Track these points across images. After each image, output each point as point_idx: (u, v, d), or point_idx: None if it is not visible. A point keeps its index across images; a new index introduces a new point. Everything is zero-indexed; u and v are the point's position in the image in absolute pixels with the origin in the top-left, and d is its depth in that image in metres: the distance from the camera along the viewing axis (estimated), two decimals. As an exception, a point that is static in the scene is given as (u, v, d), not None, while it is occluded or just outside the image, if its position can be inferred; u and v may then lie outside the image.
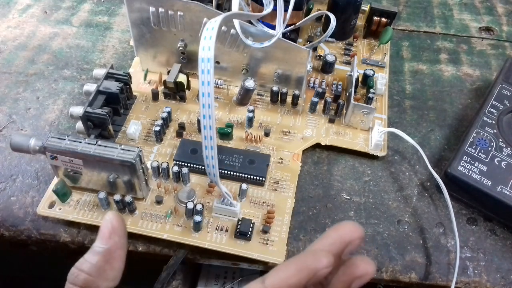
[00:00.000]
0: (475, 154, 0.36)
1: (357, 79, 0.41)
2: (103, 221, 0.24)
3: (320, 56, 0.45)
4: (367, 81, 0.42)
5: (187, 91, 0.40)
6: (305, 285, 0.20)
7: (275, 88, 0.40)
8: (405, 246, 0.34)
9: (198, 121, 0.38)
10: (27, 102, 0.41)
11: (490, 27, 0.52)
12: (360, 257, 0.22)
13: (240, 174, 0.35)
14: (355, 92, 0.40)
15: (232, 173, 0.35)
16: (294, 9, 0.39)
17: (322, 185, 0.37)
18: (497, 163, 0.36)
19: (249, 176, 0.35)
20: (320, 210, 0.35)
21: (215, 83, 0.41)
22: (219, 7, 0.42)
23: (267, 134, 0.38)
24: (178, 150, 0.36)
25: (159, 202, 0.33)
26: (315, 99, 0.40)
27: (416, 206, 0.36)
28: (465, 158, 0.36)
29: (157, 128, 0.37)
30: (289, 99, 0.41)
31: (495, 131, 0.38)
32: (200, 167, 0.35)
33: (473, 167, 0.35)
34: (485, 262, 0.33)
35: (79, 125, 0.36)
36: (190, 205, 0.32)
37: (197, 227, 0.32)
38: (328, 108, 0.40)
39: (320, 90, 0.41)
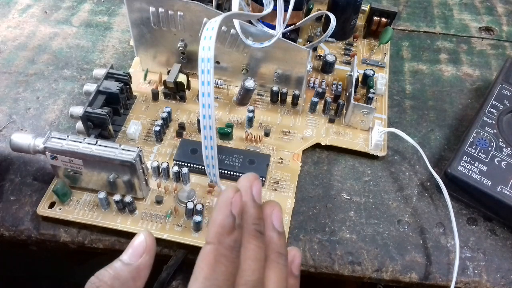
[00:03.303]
0: (475, 154, 0.36)
1: (357, 79, 0.41)
2: (138, 237, 0.24)
3: (320, 56, 0.45)
4: (367, 81, 0.42)
5: (187, 91, 0.40)
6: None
7: (275, 88, 0.40)
8: (405, 246, 0.34)
9: (198, 121, 0.38)
10: (27, 102, 0.41)
11: (490, 27, 0.52)
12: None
13: (240, 174, 0.35)
14: (355, 92, 0.40)
15: (232, 173, 0.35)
16: (294, 9, 0.39)
17: (322, 185, 0.37)
18: (497, 163, 0.36)
19: (249, 176, 0.35)
20: (320, 210, 0.35)
21: (215, 83, 0.41)
22: (219, 7, 0.42)
23: (267, 134, 0.38)
24: (178, 150, 0.36)
25: (159, 202, 0.33)
26: (315, 99, 0.40)
27: (416, 206, 0.36)
28: (465, 158, 0.36)
29: (157, 128, 0.37)
30: (289, 99, 0.41)
31: (495, 131, 0.38)
32: (200, 167, 0.35)
33: (473, 167, 0.35)
34: (485, 262, 0.33)
35: (79, 125, 0.36)
36: (190, 205, 0.32)
37: (197, 227, 0.32)
38: (328, 108, 0.40)
39: (320, 90, 0.41)
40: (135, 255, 0.23)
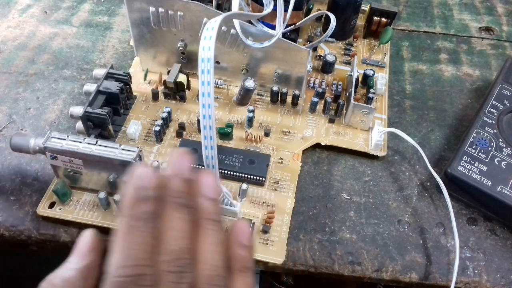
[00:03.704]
0: (475, 154, 0.36)
1: (357, 79, 0.41)
2: (81, 237, 0.23)
3: (320, 56, 0.45)
4: (367, 81, 0.42)
5: (187, 91, 0.40)
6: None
7: (275, 88, 0.40)
8: (405, 246, 0.34)
9: (198, 121, 0.38)
10: (27, 102, 0.41)
11: (490, 27, 0.52)
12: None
13: (240, 174, 0.35)
14: (355, 92, 0.40)
15: (232, 173, 0.35)
16: (294, 9, 0.39)
17: (322, 185, 0.37)
18: (497, 163, 0.36)
19: (249, 176, 0.35)
20: (320, 210, 0.35)
21: (215, 83, 0.41)
22: (219, 7, 0.42)
23: (267, 134, 0.38)
24: (178, 150, 0.36)
25: (159, 202, 0.33)
26: (315, 99, 0.40)
27: (416, 206, 0.36)
28: (465, 158, 0.36)
29: (157, 128, 0.37)
30: (289, 99, 0.41)
31: (495, 131, 0.38)
32: (200, 167, 0.35)
33: (473, 167, 0.35)
34: (485, 262, 0.33)
35: (79, 125, 0.36)
36: (190, 205, 0.32)
37: (197, 227, 0.32)
38: (328, 108, 0.40)
39: (320, 90, 0.41)
40: (81, 256, 0.23)
